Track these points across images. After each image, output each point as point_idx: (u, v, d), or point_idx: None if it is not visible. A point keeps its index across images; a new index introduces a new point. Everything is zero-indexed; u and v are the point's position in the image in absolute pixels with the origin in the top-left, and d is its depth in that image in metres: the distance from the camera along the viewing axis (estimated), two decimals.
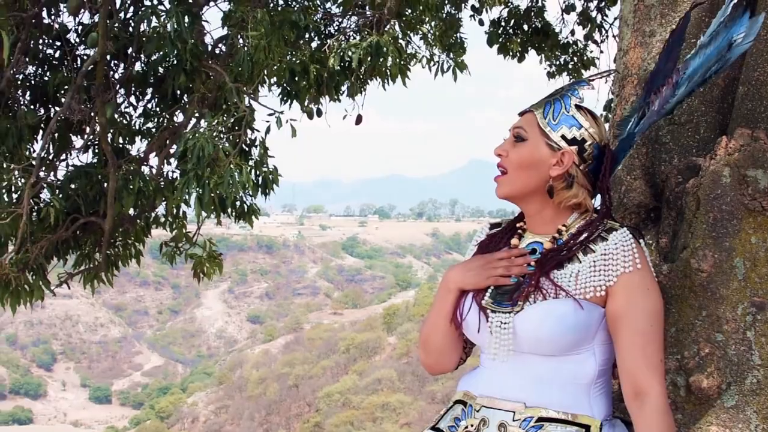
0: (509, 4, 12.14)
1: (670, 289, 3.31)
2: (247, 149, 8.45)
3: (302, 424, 71.12)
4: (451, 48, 11.01)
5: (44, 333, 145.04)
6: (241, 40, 8.41)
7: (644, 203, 3.67)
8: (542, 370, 3.05)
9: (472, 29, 12.26)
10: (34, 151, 8.78)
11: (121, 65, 9.03)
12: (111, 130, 8.84)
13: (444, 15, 11.19)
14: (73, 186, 8.74)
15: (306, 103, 9.10)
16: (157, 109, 9.23)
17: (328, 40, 9.02)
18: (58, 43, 8.90)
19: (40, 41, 8.83)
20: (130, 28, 8.80)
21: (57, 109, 8.69)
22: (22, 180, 8.41)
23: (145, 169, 9.16)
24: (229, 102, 8.33)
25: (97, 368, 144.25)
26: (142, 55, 8.90)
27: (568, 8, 12.26)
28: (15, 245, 8.38)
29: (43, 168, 8.74)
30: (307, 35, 8.97)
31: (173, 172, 9.15)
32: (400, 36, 9.56)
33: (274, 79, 8.71)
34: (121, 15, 8.89)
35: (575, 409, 3.03)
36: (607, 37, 12.28)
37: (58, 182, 8.84)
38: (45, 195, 8.78)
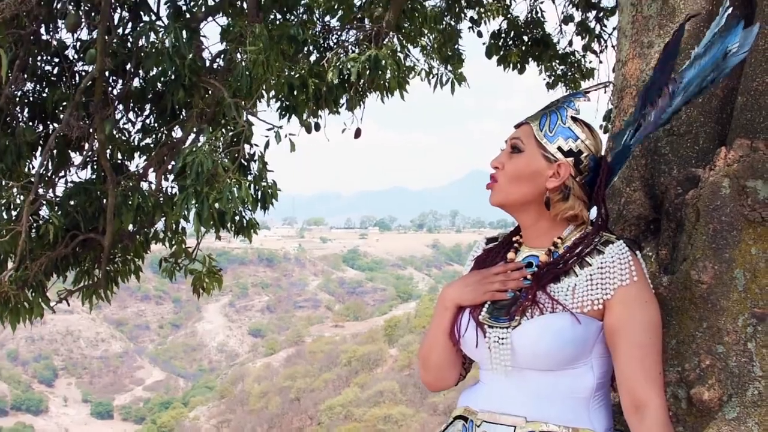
0: (509, 15, 12.17)
1: (670, 301, 3.29)
2: (246, 164, 8.45)
3: None
4: (449, 60, 11.04)
5: (45, 349, 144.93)
6: (239, 55, 8.42)
7: (644, 215, 3.66)
8: (541, 384, 3.04)
9: (472, 40, 12.31)
10: (33, 168, 8.79)
11: (120, 81, 9.04)
12: (110, 147, 8.84)
13: (443, 27, 11.22)
14: (72, 203, 8.75)
15: (305, 117, 9.11)
16: (156, 124, 9.24)
17: (327, 54, 9.03)
18: (57, 60, 8.92)
19: (39, 58, 8.83)
20: (129, 44, 8.81)
21: (56, 125, 8.70)
22: (21, 197, 8.41)
23: (144, 185, 9.17)
24: (227, 117, 8.33)
25: (98, 383, 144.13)
26: (140, 71, 8.91)
27: (567, 19, 12.29)
28: (14, 262, 8.38)
29: (42, 185, 8.75)
30: (305, 49, 8.98)
31: (172, 187, 9.16)
32: (399, 49, 9.57)
33: (272, 94, 8.72)
34: (120, 31, 8.90)
35: (575, 422, 3.02)
36: (605, 47, 12.31)
37: (57, 199, 8.84)
38: (44, 212, 8.78)
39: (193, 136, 8.98)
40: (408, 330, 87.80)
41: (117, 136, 8.92)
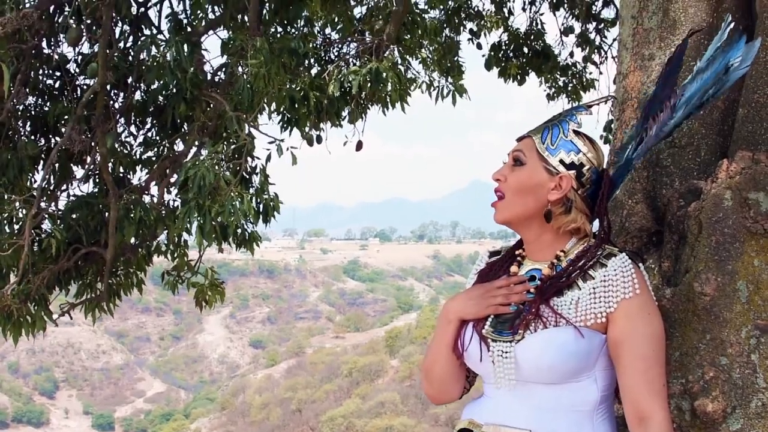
0: (509, 27, 12.19)
1: (673, 313, 3.29)
2: (247, 177, 8.46)
3: None
4: (450, 72, 11.06)
5: (46, 361, 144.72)
6: (240, 69, 8.43)
7: (646, 227, 3.66)
8: (545, 397, 3.04)
9: (472, 52, 12.33)
10: (35, 181, 8.79)
11: (121, 95, 9.05)
12: (111, 160, 8.84)
13: (443, 39, 11.25)
14: (74, 216, 8.75)
15: (306, 130, 9.12)
16: (158, 138, 9.24)
17: (329, 66, 9.04)
18: (58, 74, 8.92)
19: (40, 72, 8.84)
20: (130, 58, 8.81)
21: (57, 139, 8.71)
22: (24, 211, 8.42)
23: (146, 199, 9.17)
24: (229, 130, 8.34)
25: (99, 395, 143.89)
26: (142, 85, 8.91)
27: (567, 30, 12.31)
28: (17, 276, 8.38)
29: (44, 198, 8.75)
30: (306, 62, 8.99)
31: (174, 200, 9.16)
32: (400, 62, 9.58)
33: (274, 107, 8.72)
34: (121, 45, 8.91)
35: None
36: (606, 58, 12.34)
37: (60, 212, 8.85)
38: (46, 225, 8.78)
39: (194, 149, 8.98)
40: (409, 341, 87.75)
41: (119, 149, 8.92)
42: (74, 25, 8.28)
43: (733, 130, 3.64)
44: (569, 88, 12.44)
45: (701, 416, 3.17)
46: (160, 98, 8.83)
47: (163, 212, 9.01)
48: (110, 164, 8.78)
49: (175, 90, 8.41)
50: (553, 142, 3.17)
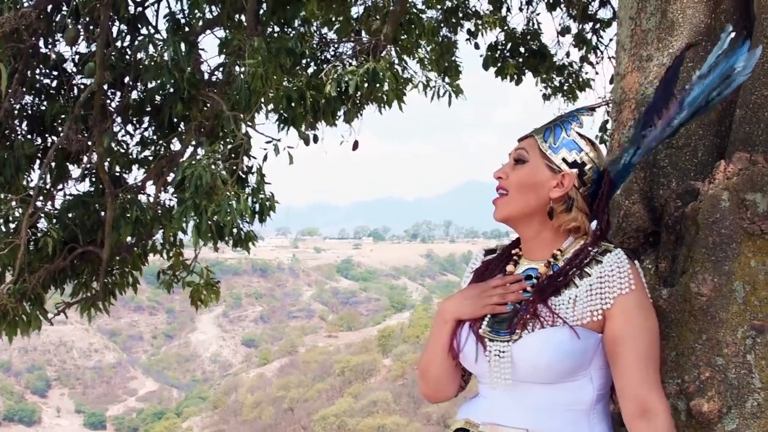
0: (506, 27, 12.20)
1: (670, 314, 3.31)
2: (244, 176, 8.45)
3: None
4: (447, 72, 11.07)
5: (38, 359, 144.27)
6: (238, 68, 8.43)
7: (643, 227, 3.66)
8: (541, 397, 3.05)
9: (469, 51, 12.33)
10: (32, 181, 8.78)
11: (119, 94, 9.04)
12: (108, 159, 8.84)
13: (440, 39, 11.26)
14: (70, 215, 8.74)
15: (303, 129, 9.11)
16: (155, 137, 9.23)
17: (325, 66, 9.04)
18: (56, 73, 8.91)
19: (38, 71, 8.83)
20: (127, 57, 8.80)
21: (54, 138, 8.71)
22: (20, 210, 8.41)
23: (143, 198, 9.17)
24: (226, 130, 8.33)
25: (91, 394, 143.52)
26: (139, 84, 8.91)
27: (564, 31, 12.32)
28: (13, 275, 8.37)
29: (41, 198, 8.74)
30: (303, 62, 8.99)
31: (170, 200, 9.16)
32: (396, 61, 9.59)
33: (271, 106, 8.72)
34: (119, 44, 8.90)
35: None
36: (602, 58, 12.35)
37: (56, 212, 8.84)
38: (42, 224, 8.77)
39: (191, 148, 8.98)
40: (402, 340, 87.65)
41: (115, 148, 8.92)
42: (72, 25, 8.27)
43: (730, 131, 3.63)
44: (565, 88, 12.45)
45: (697, 416, 3.18)
46: (157, 98, 8.83)
47: (159, 212, 9.00)
48: (107, 163, 8.77)
49: (172, 89, 8.41)
50: (555, 141, 3.18)
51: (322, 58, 9.69)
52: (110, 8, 8.11)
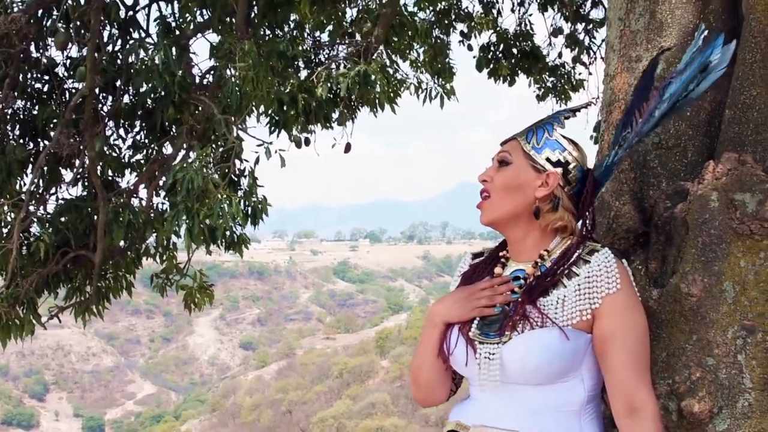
0: (498, 29, 12.20)
1: (660, 314, 3.31)
2: (236, 179, 8.45)
3: None
4: (440, 74, 11.07)
5: (36, 363, 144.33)
6: (229, 72, 8.42)
7: (633, 228, 3.66)
8: (532, 399, 3.04)
9: (461, 50, 12.33)
10: (24, 185, 8.77)
11: (110, 98, 9.02)
12: (100, 163, 8.83)
13: (433, 41, 11.26)
14: (63, 219, 8.73)
15: (294, 132, 9.11)
16: (147, 141, 9.22)
17: (318, 68, 9.04)
18: (47, 78, 8.90)
19: (29, 76, 8.82)
20: (119, 61, 8.79)
21: (46, 143, 8.69)
22: (12, 215, 8.40)
23: (135, 202, 9.16)
24: (217, 133, 8.32)
25: (89, 398, 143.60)
26: (130, 88, 8.90)
27: (556, 32, 12.34)
28: (5, 280, 8.36)
29: (33, 202, 8.73)
30: (295, 65, 8.98)
31: (163, 203, 9.14)
32: (388, 63, 9.59)
33: (262, 109, 8.71)
34: (110, 48, 8.89)
35: None
36: (595, 59, 12.36)
37: (48, 216, 8.83)
38: (35, 229, 8.76)
39: (183, 152, 8.98)
40: (399, 341, 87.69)
41: (108, 152, 8.91)
42: (63, 29, 8.27)
43: (719, 131, 3.64)
44: (558, 89, 12.45)
45: (688, 417, 3.18)
46: (149, 101, 8.81)
47: (152, 215, 8.99)
48: (99, 167, 8.76)
49: (163, 93, 8.40)
50: (538, 142, 3.19)
51: (316, 61, 9.68)
52: (101, 12, 8.10)
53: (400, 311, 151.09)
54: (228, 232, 8.38)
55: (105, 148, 8.72)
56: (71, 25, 8.38)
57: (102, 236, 8.44)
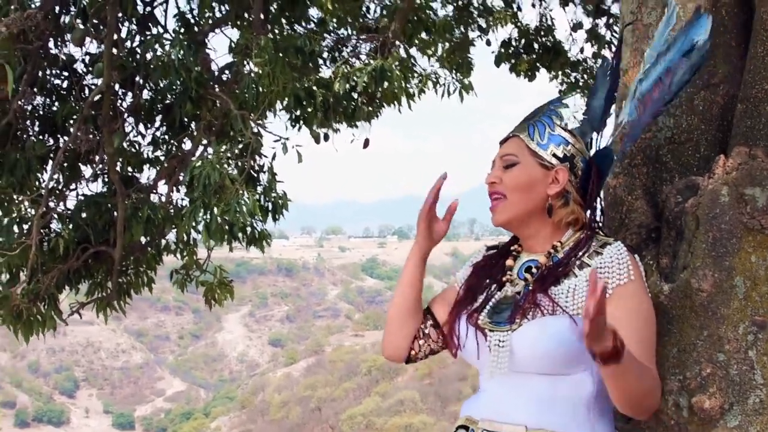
0: (518, 24, 12.18)
1: (671, 310, 3.29)
2: (256, 175, 8.45)
3: None
4: (460, 69, 11.06)
5: (66, 360, 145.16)
6: (247, 67, 8.43)
7: (645, 223, 3.64)
8: (541, 390, 3.03)
9: (479, 45, 12.31)
10: (44, 181, 8.80)
11: (129, 94, 9.05)
12: (120, 159, 8.85)
13: (455, 37, 11.25)
14: (83, 215, 8.76)
15: (315, 128, 9.11)
16: (166, 137, 9.24)
17: (337, 63, 9.05)
18: (66, 74, 8.93)
19: (48, 72, 8.85)
20: (137, 57, 8.81)
21: (65, 139, 8.72)
22: (32, 211, 8.43)
23: (155, 198, 9.18)
24: (235, 129, 8.33)
25: (119, 394, 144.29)
26: (149, 84, 8.92)
27: (576, 26, 12.31)
28: (26, 275, 8.39)
29: (54, 198, 8.76)
30: (314, 60, 8.97)
31: (183, 199, 9.17)
32: (405, 58, 9.57)
33: (282, 105, 8.72)
34: (128, 44, 8.91)
35: (577, 429, 3.02)
36: None
37: (68, 212, 8.86)
38: (55, 225, 8.80)
39: (202, 148, 9.00)
40: None
41: (127, 148, 8.94)
42: (81, 26, 8.29)
43: (732, 125, 3.62)
44: (581, 84, 12.42)
45: (699, 413, 3.17)
46: (168, 97, 8.83)
47: (171, 211, 9.01)
48: (119, 163, 8.78)
49: (180, 89, 8.42)
50: (542, 138, 3.19)
51: (339, 56, 9.68)
52: (118, 8, 8.11)
53: None
54: (249, 228, 8.39)
55: (125, 144, 8.75)
56: (89, 22, 8.40)
57: (121, 232, 8.48)
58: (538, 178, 3.17)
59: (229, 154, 8.22)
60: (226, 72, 9.07)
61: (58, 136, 8.91)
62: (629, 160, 3.73)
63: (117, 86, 8.61)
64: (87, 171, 9.07)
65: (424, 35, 10.10)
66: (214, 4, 8.78)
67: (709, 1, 3.83)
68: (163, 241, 9.54)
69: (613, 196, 3.74)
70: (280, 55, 7.81)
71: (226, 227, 7.82)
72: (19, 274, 8.58)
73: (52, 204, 8.74)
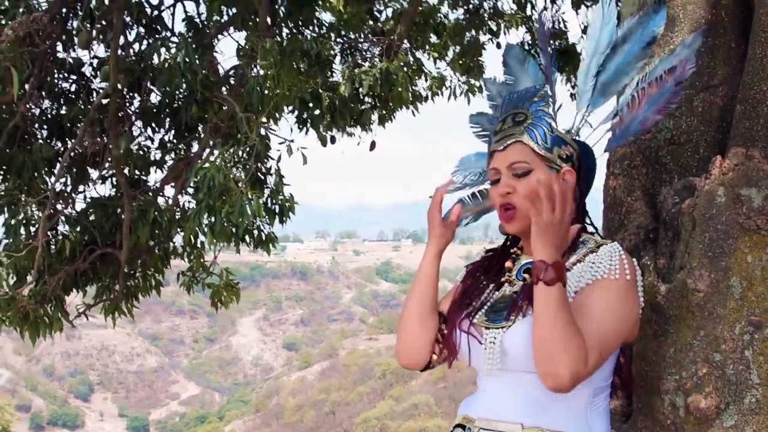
0: (531, 27, 12.16)
1: (667, 310, 3.30)
2: (263, 178, 8.47)
3: None
4: (470, 72, 11.06)
5: (81, 363, 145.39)
6: (254, 70, 8.44)
7: (644, 224, 3.65)
8: (537, 389, 2.99)
9: (489, 47, 12.30)
10: (51, 183, 8.82)
11: (136, 97, 9.07)
12: (127, 162, 8.88)
13: (467, 40, 11.25)
14: (90, 218, 8.78)
15: (321, 130, 9.11)
16: (173, 140, 9.26)
17: (346, 64, 9.07)
18: (74, 77, 8.95)
19: (56, 75, 8.88)
20: (143, 60, 8.84)
21: (72, 142, 8.75)
22: (39, 213, 8.46)
23: (161, 200, 9.21)
24: (241, 132, 8.35)
25: (134, 398, 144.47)
26: (156, 87, 8.94)
27: (587, 29, 12.27)
28: (33, 277, 8.42)
29: (60, 200, 8.79)
30: (321, 63, 8.98)
31: (189, 202, 9.19)
32: (411, 61, 9.58)
33: (289, 108, 8.74)
34: (136, 47, 8.94)
35: (572, 428, 3.01)
36: None
37: (75, 214, 8.88)
38: (62, 227, 8.83)
39: (208, 150, 9.01)
40: None
41: (135, 151, 8.96)
42: (88, 29, 8.31)
43: (731, 126, 3.62)
44: None
45: (695, 412, 3.18)
46: (175, 100, 8.85)
47: (178, 214, 9.03)
48: (126, 166, 8.81)
49: (187, 92, 8.44)
50: (544, 140, 3.15)
51: (349, 61, 9.67)
52: (123, 12, 8.14)
53: None
54: (255, 231, 8.41)
55: (133, 147, 8.78)
56: (95, 25, 8.43)
57: (127, 234, 8.51)
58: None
59: (235, 157, 8.23)
60: (233, 75, 9.09)
61: (66, 138, 8.94)
62: (629, 162, 3.74)
63: (124, 89, 8.63)
64: (94, 174, 9.11)
65: (434, 38, 10.10)
66: (221, 7, 8.80)
67: (710, 3, 3.84)
68: (171, 244, 9.55)
69: (612, 197, 3.75)
70: (286, 58, 7.81)
71: (232, 229, 7.83)
72: (26, 276, 8.61)
73: (59, 206, 8.77)
